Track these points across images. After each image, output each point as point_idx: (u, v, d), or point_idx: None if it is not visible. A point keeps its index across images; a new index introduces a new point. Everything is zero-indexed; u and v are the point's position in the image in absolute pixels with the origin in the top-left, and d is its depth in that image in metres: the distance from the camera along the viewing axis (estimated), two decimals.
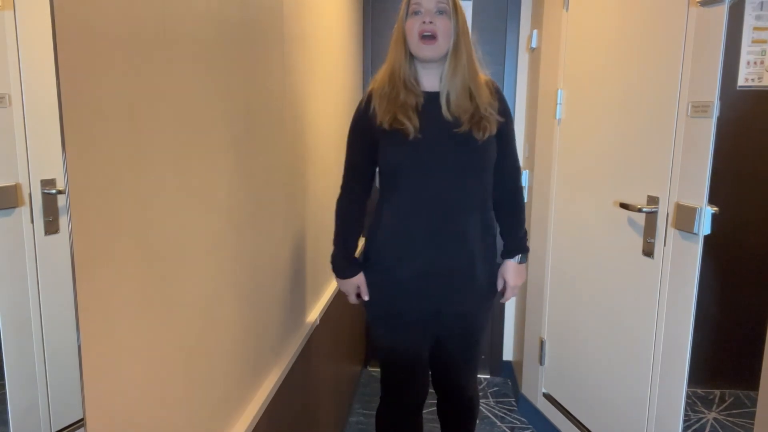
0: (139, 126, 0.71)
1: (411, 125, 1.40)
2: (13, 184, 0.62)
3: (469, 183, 1.46)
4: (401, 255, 1.49)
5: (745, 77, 2.48)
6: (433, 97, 1.46)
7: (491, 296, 1.61)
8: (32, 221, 0.64)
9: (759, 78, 2.48)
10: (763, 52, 2.46)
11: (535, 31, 2.50)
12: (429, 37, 1.40)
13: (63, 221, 0.65)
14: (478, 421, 2.50)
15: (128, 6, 0.68)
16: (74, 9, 0.58)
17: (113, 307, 0.66)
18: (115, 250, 0.67)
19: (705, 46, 1.48)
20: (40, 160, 0.63)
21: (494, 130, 1.45)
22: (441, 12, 1.40)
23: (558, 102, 2.19)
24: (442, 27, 1.40)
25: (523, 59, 2.71)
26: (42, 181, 0.63)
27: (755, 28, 2.44)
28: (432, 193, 1.44)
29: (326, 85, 1.88)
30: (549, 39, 2.29)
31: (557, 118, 2.20)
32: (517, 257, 1.58)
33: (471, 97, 1.44)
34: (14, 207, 0.62)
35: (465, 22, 1.45)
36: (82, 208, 0.60)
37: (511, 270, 1.58)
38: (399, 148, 1.42)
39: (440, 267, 1.48)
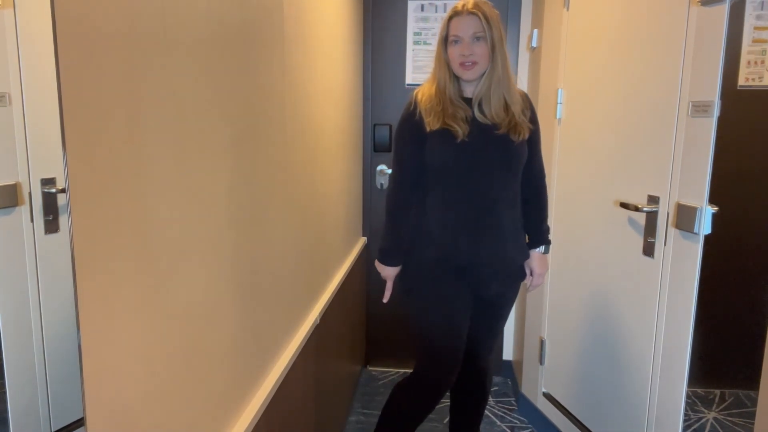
0: (139, 125, 0.71)
1: (461, 130, 1.56)
2: (13, 183, 0.62)
3: (506, 180, 1.63)
4: (446, 243, 1.63)
5: (745, 77, 2.48)
6: (471, 102, 1.63)
7: (520, 278, 1.79)
8: (32, 220, 0.64)
9: (759, 78, 2.48)
10: (763, 52, 2.46)
11: (535, 31, 2.50)
12: (470, 64, 1.55)
13: (63, 220, 0.65)
14: None
15: (129, 5, 0.68)
16: (74, 7, 0.58)
17: (113, 306, 0.66)
18: (116, 249, 0.67)
19: (706, 45, 1.48)
20: (40, 159, 0.63)
21: (527, 135, 1.62)
22: (478, 39, 1.54)
23: (558, 101, 2.19)
24: (480, 53, 1.54)
25: (524, 58, 2.71)
26: (42, 180, 0.63)
27: (756, 28, 2.44)
28: (473, 189, 1.61)
29: (327, 85, 1.87)
30: (549, 38, 2.29)
31: (558, 117, 2.20)
32: (541, 248, 1.76)
33: (506, 108, 1.60)
34: (14, 206, 0.62)
35: (500, 36, 1.57)
36: (82, 207, 0.60)
37: (536, 260, 1.76)
38: (446, 147, 1.58)
39: (482, 257, 1.64)
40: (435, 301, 1.68)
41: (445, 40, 1.58)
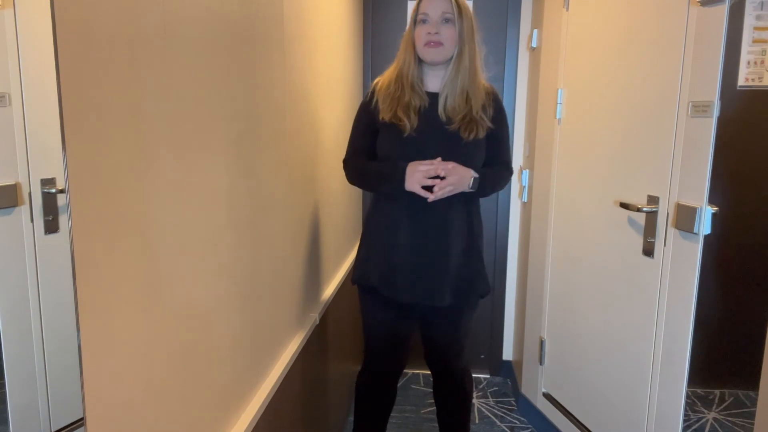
0: (139, 125, 0.71)
1: (408, 123, 1.52)
2: (13, 183, 0.62)
3: None
4: (387, 239, 1.60)
5: (745, 77, 2.48)
6: (434, 98, 1.56)
7: (475, 296, 1.68)
8: (32, 220, 0.64)
9: (759, 78, 2.48)
10: (763, 52, 2.46)
11: (535, 31, 2.50)
12: (434, 44, 1.50)
13: (63, 220, 0.65)
14: (477, 421, 2.51)
15: (129, 4, 0.68)
16: (74, 7, 0.58)
17: (113, 306, 0.66)
18: (115, 249, 0.67)
19: (705, 45, 1.48)
20: (40, 159, 0.63)
21: (481, 134, 1.55)
22: (446, 21, 1.50)
23: (558, 101, 2.19)
24: (447, 35, 1.50)
25: (524, 58, 2.71)
26: (42, 180, 0.63)
27: (755, 28, 2.44)
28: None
29: (327, 83, 1.87)
30: (549, 38, 2.29)
31: (557, 117, 2.20)
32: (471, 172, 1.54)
33: (467, 99, 1.54)
34: (14, 206, 0.62)
35: (471, 26, 1.53)
36: (82, 207, 0.60)
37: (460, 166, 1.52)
38: (393, 140, 1.55)
39: (421, 258, 1.57)
40: (370, 308, 1.70)
41: (415, 22, 1.55)
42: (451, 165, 1.49)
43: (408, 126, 1.51)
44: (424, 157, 1.51)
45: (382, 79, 1.63)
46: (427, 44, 1.51)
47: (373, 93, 1.63)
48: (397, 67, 1.59)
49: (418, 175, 1.48)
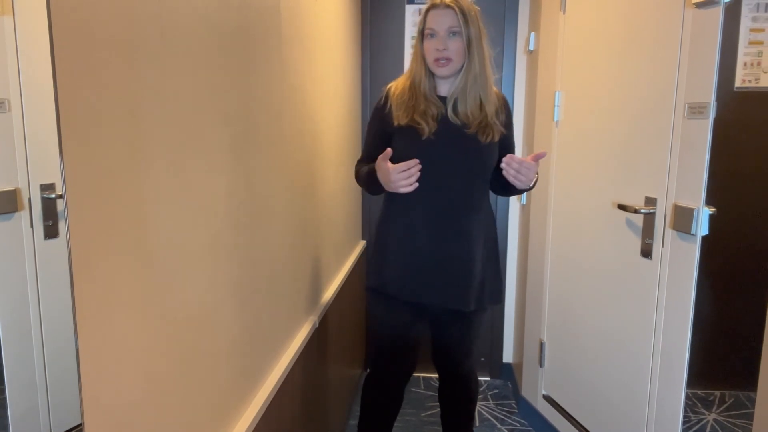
0: (137, 129, 0.72)
1: (427, 127, 1.53)
2: (13, 188, 0.62)
3: (472, 182, 1.59)
4: (404, 244, 1.60)
5: (742, 78, 2.49)
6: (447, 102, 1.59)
7: (487, 302, 1.67)
8: (32, 225, 0.64)
9: (756, 79, 2.49)
10: (759, 54, 2.47)
11: (532, 34, 2.51)
12: (443, 60, 1.52)
13: (62, 225, 0.65)
14: (478, 424, 2.50)
15: (126, 10, 0.69)
16: (72, 13, 0.58)
17: (111, 310, 0.67)
18: (114, 254, 0.67)
19: (701, 47, 1.49)
20: (40, 164, 0.63)
21: (496, 138, 1.57)
22: (453, 34, 1.51)
23: (556, 104, 2.19)
24: (455, 48, 1.51)
25: (521, 61, 2.72)
26: (41, 185, 0.64)
27: (751, 30, 2.45)
28: (437, 189, 1.56)
29: (326, 86, 1.88)
30: (546, 41, 2.30)
31: (555, 119, 2.21)
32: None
33: (481, 107, 1.56)
34: (14, 211, 0.63)
35: (478, 30, 1.53)
36: (80, 211, 0.60)
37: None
38: (411, 144, 1.55)
39: (438, 261, 1.58)
40: (383, 312, 1.70)
41: (422, 34, 1.55)
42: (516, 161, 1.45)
43: (426, 129, 1.53)
44: (445, 161, 1.54)
45: (396, 85, 1.64)
46: (436, 61, 1.52)
47: (386, 98, 1.63)
48: (410, 77, 1.61)
49: (398, 179, 1.44)
